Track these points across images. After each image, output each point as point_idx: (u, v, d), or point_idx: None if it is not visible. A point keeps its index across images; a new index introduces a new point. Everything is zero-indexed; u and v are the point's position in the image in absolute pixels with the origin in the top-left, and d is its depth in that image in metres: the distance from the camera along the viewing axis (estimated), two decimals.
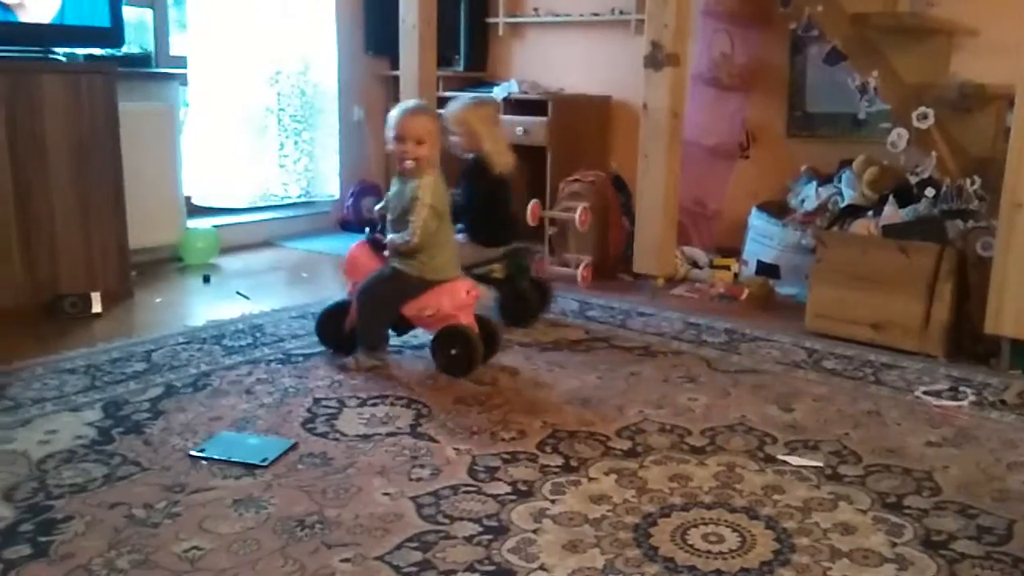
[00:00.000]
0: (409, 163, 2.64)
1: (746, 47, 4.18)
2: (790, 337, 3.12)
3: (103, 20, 3.37)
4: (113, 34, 3.44)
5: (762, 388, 2.63)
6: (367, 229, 2.88)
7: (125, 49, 3.80)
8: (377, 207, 2.88)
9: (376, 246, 2.80)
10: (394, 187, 2.77)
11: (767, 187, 4.11)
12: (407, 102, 2.83)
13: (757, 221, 3.86)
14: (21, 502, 1.85)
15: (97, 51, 3.62)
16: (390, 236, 2.71)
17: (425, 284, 2.70)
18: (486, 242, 3.18)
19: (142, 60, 4.16)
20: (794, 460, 2.13)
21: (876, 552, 1.72)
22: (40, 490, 1.90)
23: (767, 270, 3.76)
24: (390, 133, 2.67)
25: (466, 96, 3.32)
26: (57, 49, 3.30)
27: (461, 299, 2.72)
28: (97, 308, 3.24)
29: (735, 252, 4.00)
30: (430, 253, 2.69)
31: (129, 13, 3.76)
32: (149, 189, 3.84)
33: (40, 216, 3.16)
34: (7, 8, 3.13)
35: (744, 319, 3.35)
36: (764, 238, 3.80)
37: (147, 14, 4.20)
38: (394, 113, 2.70)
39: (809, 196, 3.81)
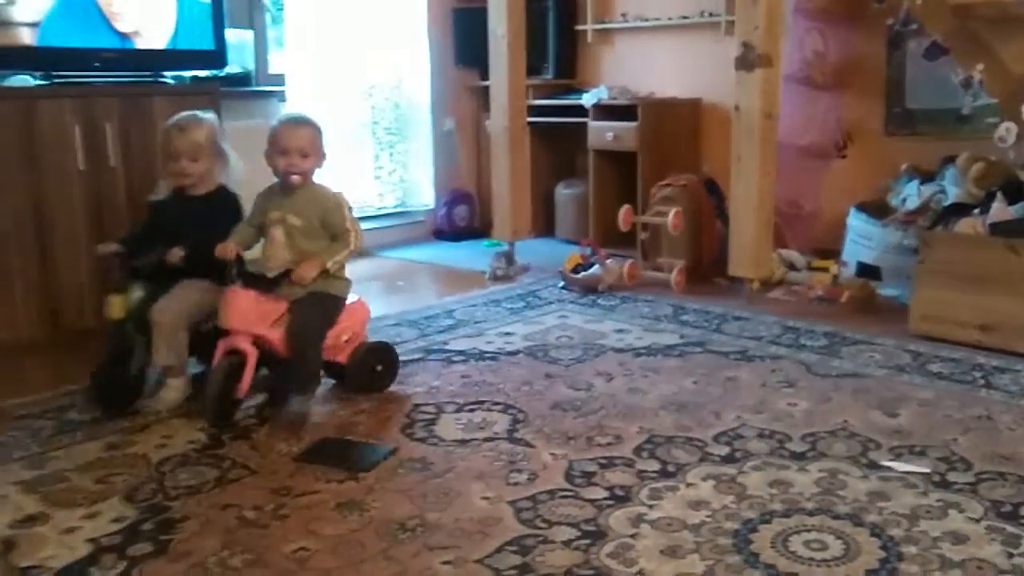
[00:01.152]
0: (296, 177, 2.45)
1: (840, 45, 4.08)
2: (893, 340, 3.03)
3: (208, 43, 3.52)
4: (217, 56, 3.60)
5: (865, 393, 2.56)
6: (235, 271, 2.43)
7: (228, 69, 3.96)
8: (230, 244, 2.44)
9: (255, 284, 2.43)
10: (264, 203, 2.53)
11: (865, 187, 4.00)
12: (289, 113, 2.62)
13: (856, 221, 3.76)
14: (142, 502, 1.95)
15: (202, 72, 3.78)
16: (323, 258, 2.43)
17: (342, 305, 2.55)
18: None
19: (243, 79, 4.32)
20: (900, 466, 2.07)
21: (991, 563, 1.66)
22: (159, 491, 2.00)
23: (868, 271, 3.66)
24: (275, 146, 2.46)
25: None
26: (166, 72, 3.47)
27: (367, 314, 2.68)
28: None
29: (833, 254, 3.90)
30: (343, 270, 2.55)
31: (230, 35, 3.91)
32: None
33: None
34: (125, 37, 3.31)
35: (844, 322, 3.26)
36: (863, 239, 3.70)
37: (247, 35, 4.36)
38: (276, 125, 2.51)
39: (911, 195, 3.69)
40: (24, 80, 3.15)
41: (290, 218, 2.46)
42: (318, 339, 2.45)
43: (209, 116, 2.72)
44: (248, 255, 2.51)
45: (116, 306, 2.49)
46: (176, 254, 2.52)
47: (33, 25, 3.09)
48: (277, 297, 2.43)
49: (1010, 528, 1.78)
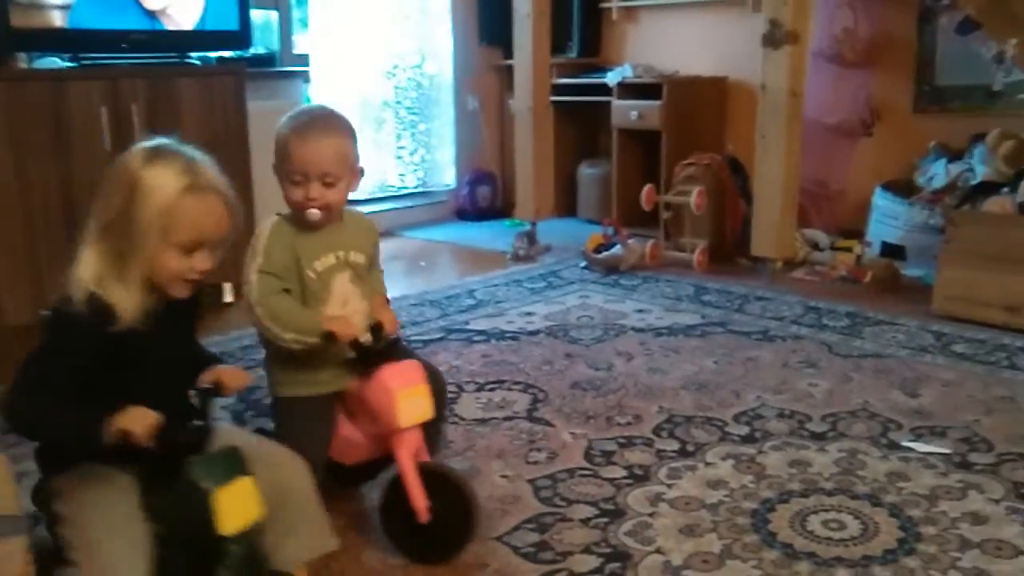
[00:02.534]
0: (317, 214, 1.68)
1: (870, 20, 4.02)
2: (917, 321, 3.01)
3: (232, 24, 3.54)
4: (242, 36, 3.62)
5: (886, 373, 2.55)
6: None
7: (252, 50, 3.98)
8: (343, 320, 1.68)
9: (377, 359, 1.68)
10: (293, 245, 1.71)
11: (892, 165, 3.95)
12: (303, 111, 1.76)
13: (882, 201, 3.72)
14: None
15: (227, 53, 3.81)
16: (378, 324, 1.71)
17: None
18: None
19: (268, 60, 4.34)
20: (920, 447, 2.06)
21: (1010, 543, 1.66)
22: None
23: (892, 251, 3.62)
24: (288, 167, 1.70)
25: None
26: (192, 54, 3.49)
27: None
28: (229, 298, 3.42)
29: (858, 233, 3.87)
30: None
31: (255, 15, 3.93)
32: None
33: None
34: (154, 16, 3.34)
35: (867, 302, 3.24)
36: (889, 218, 3.66)
37: (272, 15, 4.38)
38: (286, 131, 1.70)
39: (938, 173, 3.65)
40: (53, 62, 3.19)
41: (352, 256, 1.76)
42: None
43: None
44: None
45: None
46: None
47: (64, 7, 3.12)
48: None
49: None
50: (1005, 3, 3.11)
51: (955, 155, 3.66)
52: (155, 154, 1.41)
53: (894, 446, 2.08)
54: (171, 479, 1.30)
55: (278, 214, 1.77)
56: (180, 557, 1.31)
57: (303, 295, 1.70)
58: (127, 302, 1.35)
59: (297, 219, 1.72)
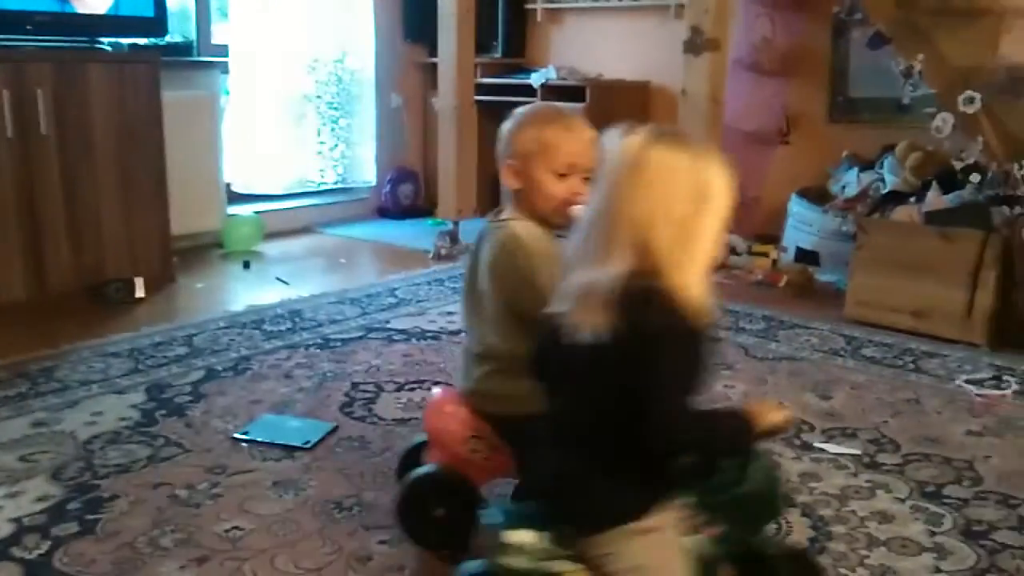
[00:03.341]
0: (579, 208, 1.45)
1: (787, 31, 4.12)
2: (829, 325, 3.09)
3: (147, 10, 3.42)
4: (157, 23, 3.50)
5: (800, 376, 2.61)
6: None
7: (168, 38, 3.86)
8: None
9: None
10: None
11: (807, 173, 4.05)
12: (544, 106, 1.76)
13: (797, 207, 3.82)
14: (69, 481, 1.90)
15: (141, 40, 3.67)
16: None
17: None
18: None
19: (184, 49, 4.21)
20: (831, 448, 2.11)
21: (915, 541, 1.71)
22: (87, 470, 1.95)
23: (807, 257, 3.72)
24: (549, 159, 1.56)
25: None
26: (103, 39, 3.36)
27: None
28: (140, 293, 3.30)
29: (774, 239, 3.96)
30: None
31: (172, 2, 3.81)
32: (191, 176, 3.89)
33: (86, 203, 3.22)
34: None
35: (782, 306, 3.32)
36: (804, 224, 3.76)
37: (190, 3, 4.24)
38: (543, 124, 1.60)
39: (850, 182, 3.75)
40: None
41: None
42: None
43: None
44: None
45: None
46: None
47: None
48: None
49: (933, 507, 1.83)
50: (913, 20, 3.22)
51: (866, 164, 3.78)
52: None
53: (807, 447, 2.12)
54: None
55: (501, 219, 1.61)
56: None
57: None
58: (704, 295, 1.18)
59: (541, 218, 1.58)
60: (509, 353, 1.54)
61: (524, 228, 1.56)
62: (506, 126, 1.62)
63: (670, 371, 1.13)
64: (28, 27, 3.11)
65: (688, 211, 1.20)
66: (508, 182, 1.59)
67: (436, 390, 1.78)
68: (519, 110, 1.65)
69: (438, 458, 1.66)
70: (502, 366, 1.58)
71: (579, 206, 1.45)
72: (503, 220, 1.59)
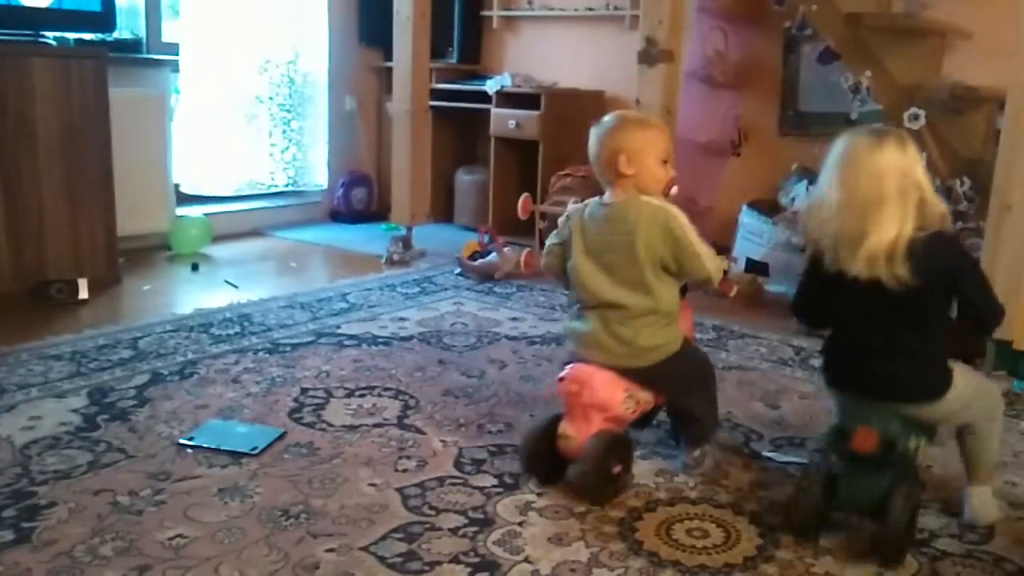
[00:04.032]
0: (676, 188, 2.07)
1: (740, 45, 4.18)
2: (778, 335, 3.13)
3: (94, 4, 3.35)
4: (104, 19, 3.43)
5: (749, 385, 2.64)
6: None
7: (116, 34, 3.78)
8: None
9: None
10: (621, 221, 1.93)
11: (758, 185, 4.11)
12: (638, 112, 2.11)
13: (747, 219, 3.87)
14: (4, 488, 1.84)
15: (87, 36, 3.59)
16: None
17: None
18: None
19: (133, 46, 4.13)
20: (779, 457, 2.14)
21: (860, 551, 1.73)
22: (23, 476, 1.89)
23: (756, 268, 3.76)
24: (657, 152, 1.96)
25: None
26: (47, 33, 3.28)
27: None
28: (84, 294, 3.23)
29: (725, 249, 4.00)
30: None
31: None
32: (139, 176, 3.82)
33: (28, 201, 3.14)
34: None
35: (733, 316, 3.35)
36: (754, 236, 3.81)
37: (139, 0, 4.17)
38: (649, 125, 2.01)
39: (799, 194, 3.81)
40: None
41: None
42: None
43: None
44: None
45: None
46: None
47: None
48: None
49: None
50: (861, 37, 3.29)
51: (815, 177, 3.83)
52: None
53: (756, 456, 2.14)
54: None
55: (617, 200, 1.97)
56: None
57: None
58: None
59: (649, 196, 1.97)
60: (665, 307, 1.92)
61: (661, 203, 1.94)
62: (611, 124, 1.97)
63: (982, 276, 1.77)
64: None
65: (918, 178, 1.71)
66: (623, 169, 1.93)
67: (568, 369, 1.96)
68: (613, 115, 2.00)
69: (598, 425, 1.89)
70: (659, 320, 1.93)
71: (675, 186, 2.04)
72: (627, 200, 1.93)
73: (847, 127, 3.74)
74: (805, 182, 3.83)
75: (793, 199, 3.83)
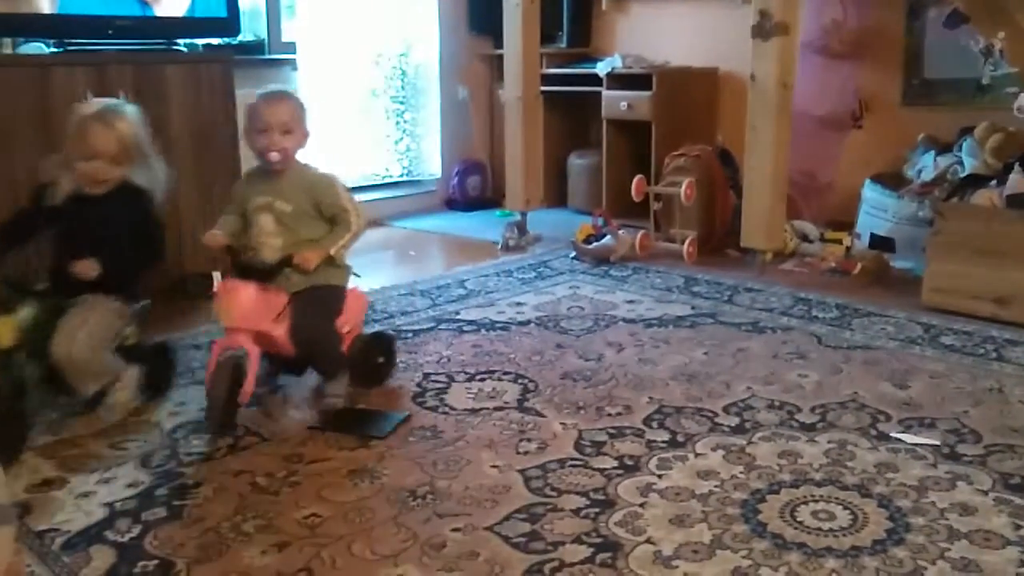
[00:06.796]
0: (276, 155, 2.23)
1: (859, 13, 4.02)
2: (905, 312, 3.02)
3: (221, 11, 3.51)
4: (230, 23, 3.58)
5: (875, 365, 2.56)
6: (220, 274, 2.42)
7: (240, 38, 3.94)
8: (217, 233, 2.28)
9: (252, 275, 2.20)
10: (247, 189, 2.33)
11: (881, 158, 3.96)
12: (267, 88, 2.33)
13: (871, 193, 3.73)
14: (156, 468, 1.98)
15: (214, 40, 3.77)
16: (330, 238, 2.27)
17: (344, 296, 2.38)
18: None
19: (256, 47, 4.30)
20: (909, 438, 2.07)
21: (998, 534, 1.67)
22: (172, 458, 2.03)
23: (881, 243, 3.63)
24: (253, 124, 2.24)
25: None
26: (179, 40, 3.46)
27: (364, 304, 2.54)
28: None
29: (847, 225, 3.87)
30: (344, 257, 2.37)
31: (244, 2, 3.89)
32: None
33: (165, 200, 3.31)
34: (143, 3, 3.31)
35: (857, 294, 3.25)
36: (878, 210, 3.67)
37: (260, 2, 4.34)
38: (254, 101, 2.28)
39: (927, 166, 3.66)
40: (38, 48, 3.15)
41: (278, 204, 2.26)
42: (330, 335, 2.28)
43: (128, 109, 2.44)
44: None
45: (3, 333, 2.04)
46: (89, 267, 2.15)
47: None
48: (277, 289, 2.21)
49: (1018, 500, 1.78)
50: None
51: (944, 148, 3.67)
52: None
53: (883, 437, 2.08)
54: None
55: None
56: None
57: (246, 222, 2.31)
58: None
59: (262, 166, 2.30)
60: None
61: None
62: None
63: None
64: (109, 31, 3.22)
65: None
66: None
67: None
68: None
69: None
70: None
71: (274, 152, 2.24)
72: None
73: (979, 94, 3.61)
74: (932, 153, 3.67)
75: (920, 171, 3.68)
